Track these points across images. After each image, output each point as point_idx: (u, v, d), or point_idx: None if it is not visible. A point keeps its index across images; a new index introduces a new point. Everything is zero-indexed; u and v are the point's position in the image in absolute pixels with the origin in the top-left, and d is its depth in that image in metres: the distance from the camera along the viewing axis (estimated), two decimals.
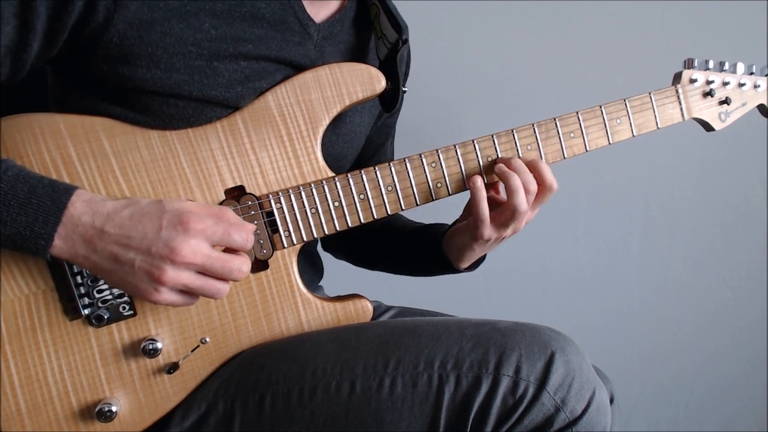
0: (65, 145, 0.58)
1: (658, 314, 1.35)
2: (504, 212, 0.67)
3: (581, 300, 1.31)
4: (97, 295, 0.59)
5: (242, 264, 0.55)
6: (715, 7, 1.17)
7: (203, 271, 0.54)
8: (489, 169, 0.70)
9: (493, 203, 0.68)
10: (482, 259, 0.77)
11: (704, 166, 1.27)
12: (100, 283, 0.58)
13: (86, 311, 0.58)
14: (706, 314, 1.37)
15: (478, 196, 0.66)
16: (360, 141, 0.78)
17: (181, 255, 0.51)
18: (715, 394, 1.43)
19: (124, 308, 0.60)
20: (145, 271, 0.52)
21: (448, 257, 0.75)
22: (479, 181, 0.67)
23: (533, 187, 0.67)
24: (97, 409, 0.58)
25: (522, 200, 0.65)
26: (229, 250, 0.56)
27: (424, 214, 0.76)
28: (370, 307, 0.69)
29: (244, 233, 0.55)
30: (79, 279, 0.58)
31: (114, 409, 0.58)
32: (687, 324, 1.37)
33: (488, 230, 0.68)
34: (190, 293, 0.55)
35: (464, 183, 0.70)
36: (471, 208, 0.68)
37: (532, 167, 0.68)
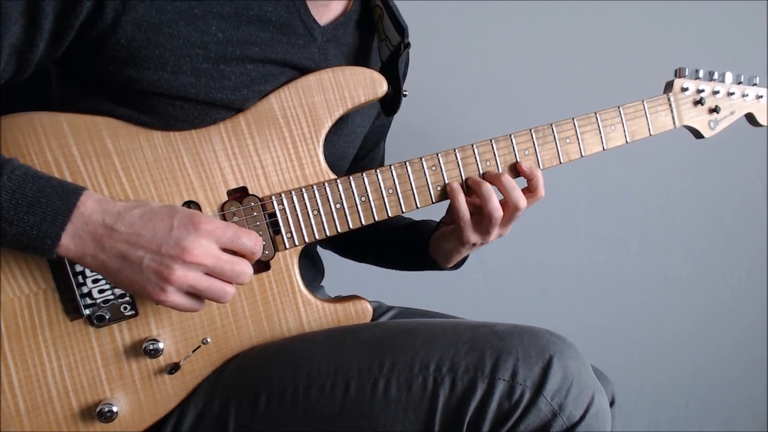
0: (68, 144, 0.58)
1: (658, 314, 1.36)
2: (483, 219, 0.68)
3: (581, 300, 1.31)
4: (99, 295, 0.58)
5: (248, 269, 0.56)
6: (711, 7, 1.18)
7: (211, 273, 0.54)
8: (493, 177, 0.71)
9: (476, 209, 0.69)
10: (467, 256, 0.78)
11: (704, 166, 1.28)
12: (102, 282, 0.58)
13: (87, 311, 0.58)
14: (706, 314, 1.37)
15: (455, 199, 0.68)
16: (359, 140, 0.79)
17: (192, 254, 0.52)
18: (715, 394, 1.43)
19: (125, 308, 0.59)
20: (154, 270, 0.52)
21: (436, 260, 0.77)
22: (455, 184, 0.68)
23: (522, 203, 0.68)
24: (97, 410, 0.58)
25: (496, 206, 0.67)
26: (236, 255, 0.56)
27: (422, 212, 0.77)
28: (369, 308, 0.70)
29: (254, 238, 0.56)
30: (80, 279, 0.58)
31: (114, 409, 0.58)
32: (687, 324, 1.38)
33: (473, 235, 0.69)
34: (195, 297, 0.55)
35: (464, 187, 0.71)
36: (452, 213, 0.69)
37: (529, 176, 0.70)
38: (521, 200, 0.68)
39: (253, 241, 0.56)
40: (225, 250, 0.55)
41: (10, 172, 0.50)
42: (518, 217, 0.70)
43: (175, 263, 0.52)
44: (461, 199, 0.68)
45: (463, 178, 0.70)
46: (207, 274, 0.54)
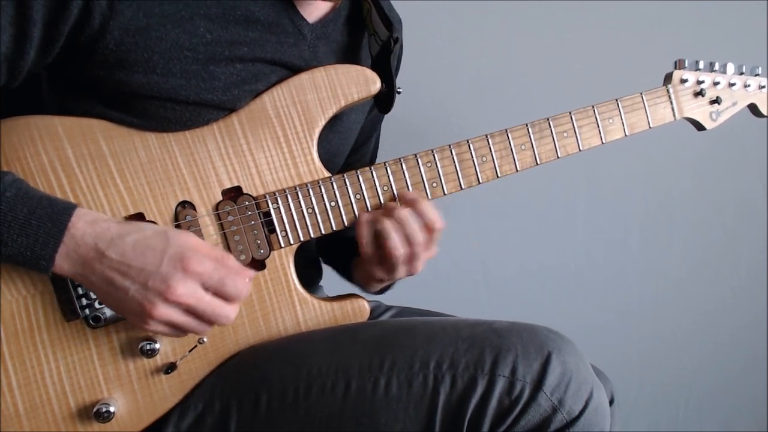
0: (63, 147, 0.58)
1: (657, 313, 1.35)
2: (387, 258, 0.64)
3: (580, 299, 1.31)
4: (95, 296, 0.59)
5: (230, 312, 0.56)
6: (710, 7, 1.18)
7: (192, 312, 0.55)
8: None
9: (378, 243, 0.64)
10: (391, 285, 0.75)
11: (704, 165, 1.27)
12: None
13: (84, 312, 0.59)
14: (706, 313, 1.36)
15: (360, 234, 0.64)
16: (354, 137, 0.79)
17: (175, 294, 0.53)
18: (715, 393, 1.42)
19: None
20: (138, 302, 0.53)
21: (359, 283, 0.75)
22: (364, 218, 0.64)
23: (418, 238, 0.63)
24: (95, 410, 0.58)
25: (395, 245, 0.62)
26: None
27: None
28: (367, 306, 0.70)
29: (240, 285, 0.56)
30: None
31: (112, 409, 0.58)
32: (686, 323, 1.37)
33: (378, 272, 0.67)
34: (177, 327, 0.56)
35: (460, 183, 0.70)
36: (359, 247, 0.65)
37: (412, 204, 0.64)
38: (416, 234, 0.63)
39: (239, 288, 0.56)
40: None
41: (2, 194, 0.51)
42: (423, 254, 0.64)
43: (158, 299, 0.53)
44: (365, 234, 0.64)
45: (459, 174, 0.69)
46: (189, 311, 0.55)
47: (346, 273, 0.80)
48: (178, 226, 0.61)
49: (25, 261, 0.52)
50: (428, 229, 0.65)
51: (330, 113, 0.66)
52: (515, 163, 0.72)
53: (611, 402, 0.73)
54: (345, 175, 0.67)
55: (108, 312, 0.59)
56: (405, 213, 0.63)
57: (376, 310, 0.84)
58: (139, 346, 0.60)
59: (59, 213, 0.52)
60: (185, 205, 0.62)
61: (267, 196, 0.64)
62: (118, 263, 0.52)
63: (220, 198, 0.63)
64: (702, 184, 1.28)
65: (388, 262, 0.65)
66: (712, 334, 1.38)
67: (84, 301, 0.59)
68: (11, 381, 0.57)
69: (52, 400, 0.58)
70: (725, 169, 1.28)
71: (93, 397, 0.59)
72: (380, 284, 0.73)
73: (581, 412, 0.56)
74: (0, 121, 0.57)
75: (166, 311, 0.53)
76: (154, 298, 0.53)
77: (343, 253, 0.80)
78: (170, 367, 0.61)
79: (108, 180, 0.59)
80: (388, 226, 0.63)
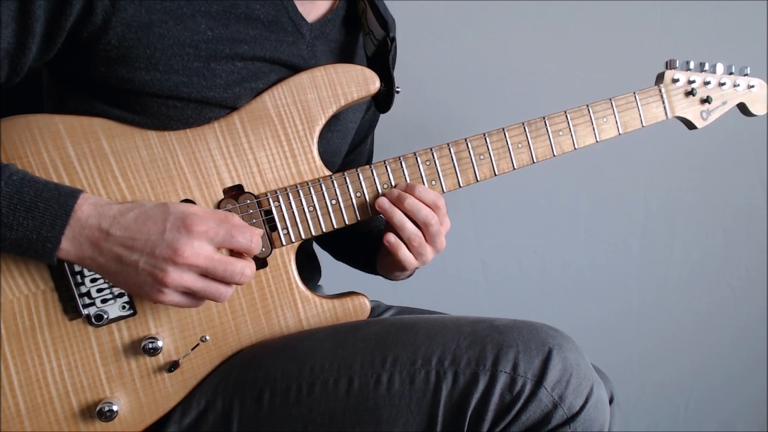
0: (64, 146, 0.58)
1: (658, 314, 1.36)
2: (409, 247, 0.67)
3: (581, 300, 1.31)
4: (97, 294, 0.59)
5: (245, 267, 0.55)
6: (704, 6, 1.19)
7: (206, 274, 0.54)
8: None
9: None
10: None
11: (704, 166, 1.28)
12: (100, 282, 0.59)
13: (86, 311, 0.59)
14: (706, 314, 1.37)
15: (394, 249, 0.67)
16: (352, 135, 0.80)
17: (183, 256, 0.52)
18: (715, 393, 1.42)
19: (123, 307, 0.60)
20: (149, 273, 0.52)
21: (383, 274, 0.78)
22: (392, 238, 0.66)
23: (433, 218, 0.66)
24: (97, 409, 0.58)
25: (413, 232, 0.66)
26: (236, 254, 0.57)
27: None
28: (368, 304, 0.70)
29: (248, 234, 0.56)
30: (78, 278, 0.58)
31: (114, 408, 0.58)
32: (687, 324, 1.37)
33: (412, 262, 0.68)
34: (193, 295, 0.55)
35: (458, 181, 0.71)
36: (392, 256, 0.68)
37: (410, 192, 0.66)
38: (431, 217, 0.66)
39: (248, 238, 0.56)
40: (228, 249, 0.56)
41: (8, 177, 0.51)
42: (441, 230, 0.67)
43: (169, 265, 0.52)
44: (400, 247, 0.67)
45: (458, 172, 0.70)
46: (203, 275, 0.54)
47: (369, 266, 0.81)
48: None
49: (30, 245, 0.52)
50: (434, 208, 0.67)
51: (330, 112, 0.67)
52: (512, 161, 0.73)
53: (611, 401, 0.74)
54: (345, 173, 0.67)
55: (110, 311, 0.59)
56: (415, 202, 0.66)
57: (376, 310, 0.84)
58: (142, 344, 0.60)
59: (66, 196, 0.52)
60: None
61: (268, 194, 0.65)
62: (123, 238, 0.52)
63: (222, 196, 0.63)
64: (702, 184, 1.29)
65: (413, 249, 0.67)
66: (713, 334, 1.39)
67: (86, 300, 0.58)
68: (13, 380, 0.57)
69: (54, 399, 0.58)
70: (725, 169, 1.28)
71: (95, 396, 0.59)
72: (408, 271, 0.75)
73: (582, 408, 0.56)
74: (0, 120, 0.57)
75: (178, 277, 0.53)
76: (163, 264, 0.52)
77: (360, 248, 0.81)
78: (173, 366, 0.61)
79: (109, 178, 0.59)
80: (400, 218, 0.66)
